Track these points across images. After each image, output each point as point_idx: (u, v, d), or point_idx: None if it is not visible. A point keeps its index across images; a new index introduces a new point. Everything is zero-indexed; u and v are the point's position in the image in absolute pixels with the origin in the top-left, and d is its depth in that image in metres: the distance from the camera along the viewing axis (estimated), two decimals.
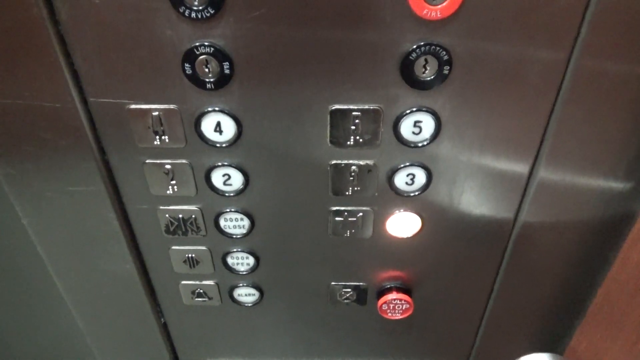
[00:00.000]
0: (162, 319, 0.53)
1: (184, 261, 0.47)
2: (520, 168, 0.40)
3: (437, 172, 0.40)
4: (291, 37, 0.33)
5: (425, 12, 0.31)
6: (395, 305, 0.48)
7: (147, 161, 0.40)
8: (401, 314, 0.49)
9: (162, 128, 0.37)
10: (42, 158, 0.39)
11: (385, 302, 0.48)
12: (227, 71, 0.34)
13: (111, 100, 0.36)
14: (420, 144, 0.38)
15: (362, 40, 0.33)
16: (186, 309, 0.52)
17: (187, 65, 0.34)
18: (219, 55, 0.33)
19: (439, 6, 0.31)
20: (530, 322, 0.51)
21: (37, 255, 0.47)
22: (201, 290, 0.50)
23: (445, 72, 0.34)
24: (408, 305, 0.48)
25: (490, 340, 0.53)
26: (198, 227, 0.44)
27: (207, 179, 0.40)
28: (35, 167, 0.40)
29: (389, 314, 0.49)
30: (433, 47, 0.32)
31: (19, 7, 0.31)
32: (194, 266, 0.47)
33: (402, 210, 0.42)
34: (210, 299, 0.50)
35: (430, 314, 0.51)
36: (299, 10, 0.32)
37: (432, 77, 0.34)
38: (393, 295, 0.48)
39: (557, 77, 0.35)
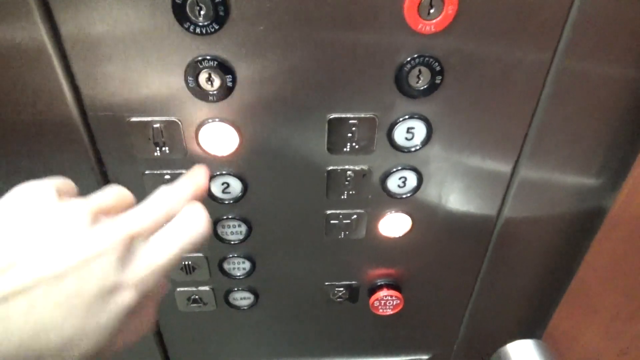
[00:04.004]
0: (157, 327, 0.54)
1: (181, 268, 0.47)
2: (504, 168, 0.43)
3: (427, 175, 0.42)
4: (292, 50, 0.34)
5: (420, 26, 0.33)
6: (386, 302, 0.50)
7: (147, 172, 0.40)
8: (392, 309, 0.51)
9: (163, 139, 0.38)
10: (40, 172, 0.39)
11: (377, 299, 0.50)
12: (229, 83, 0.35)
13: (112, 114, 0.36)
14: (412, 149, 0.40)
15: (360, 52, 0.34)
16: (180, 316, 0.52)
17: (190, 78, 0.35)
18: (222, 68, 0.34)
19: (433, 21, 0.33)
20: (511, 311, 0.54)
21: None
22: (197, 297, 0.50)
23: (437, 81, 0.36)
24: (398, 301, 0.51)
25: (474, 329, 0.56)
26: None
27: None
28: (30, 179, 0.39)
29: (381, 310, 0.51)
30: (426, 58, 0.35)
31: (20, 21, 0.31)
32: (190, 273, 0.48)
33: (393, 211, 0.44)
34: (205, 304, 0.51)
35: (418, 308, 0.54)
36: (300, 25, 0.33)
37: (425, 87, 0.36)
38: (384, 292, 0.50)
39: (538, 85, 0.37)
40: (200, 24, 0.32)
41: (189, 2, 0.31)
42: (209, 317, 0.53)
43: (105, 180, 0.40)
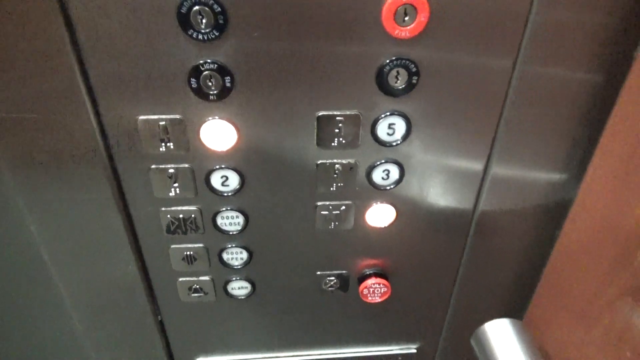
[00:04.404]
0: (159, 317, 0.57)
1: (183, 259, 0.51)
2: (477, 165, 0.47)
3: (408, 168, 0.46)
4: (284, 54, 0.38)
5: (396, 32, 0.37)
6: (374, 290, 0.54)
7: (153, 167, 0.44)
8: (380, 297, 0.55)
9: (167, 136, 0.42)
10: (54, 168, 0.43)
11: (365, 287, 0.54)
12: (228, 85, 0.39)
13: (123, 113, 0.40)
14: (394, 143, 0.44)
15: (344, 56, 0.39)
16: (182, 306, 0.56)
17: (193, 80, 0.39)
18: (222, 71, 0.38)
19: (408, 27, 0.37)
20: (492, 300, 0.58)
21: (38, 258, 0.50)
22: (197, 286, 0.54)
23: (414, 81, 0.40)
24: (386, 289, 0.54)
25: (459, 319, 0.59)
26: (197, 226, 0.48)
27: (207, 181, 0.45)
28: (46, 176, 0.43)
29: (370, 298, 0.55)
30: (403, 61, 0.39)
31: (41, 28, 0.36)
32: (191, 263, 0.51)
33: (379, 202, 0.48)
34: (206, 294, 0.55)
35: (405, 297, 0.57)
36: (291, 33, 0.37)
37: (403, 86, 0.40)
38: (372, 280, 0.54)
39: (503, 88, 0.42)
40: (202, 31, 0.36)
41: (192, 11, 0.36)
42: (209, 308, 0.57)
43: (115, 175, 0.44)
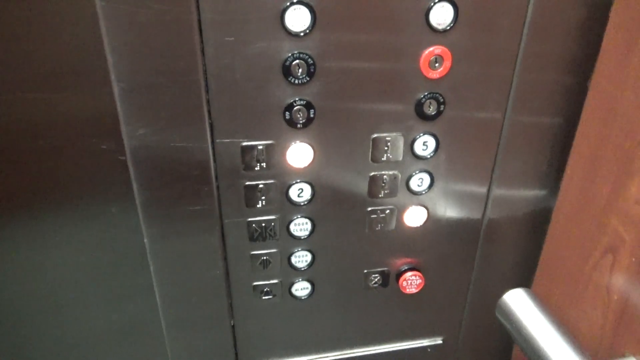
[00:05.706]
0: (232, 321, 0.67)
1: (260, 263, 0.63)
2: (483, 185, 0.63)
3: (437, 177, 0.61)
4: (351, 95, 0.54)
5: (430, 74, 0.54)
6: (411, 281, 0.67)
7: (247, 183, 0.57)
8: (416, 288, 0.68)
9: (263, 157, 0.56)
10: (174, 186, 0.55)
11: (404, 280, 0.67)
12: (312, 116, 0.54)
13: (230, 140, 0.54)
14: (427, 157, 0.59)
15: (392, 93, 0.55)
16: (251, 310, 0.66)
17: (287, 113, 0.53)
18: (308, 106, 0.53)
19: (438, 71, 0.54)
20: (502, 290, 0.71)
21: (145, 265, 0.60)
22: (268, 289, 0.65)
23: (441, 109, 0.56)
24: (420, 280, 0.67)
25: (475, 309, 0.72)
26: (274, 233, 0.61)
27: (287, 193, 0.58)
28: (167, 193, 0.55)
29: (407, 290, 0.68)
30: (434, 94, 0.55)
31: (186, 87, 0.50)
32: (266, 267, 0.63)
33: (414, 205, 0.63)
34: (274, 296, 0.66)
35: (432, 289, 0.70)
36: (357, 79, 0.53)
37: (434, 113, 0.56)
38: (410, 273, 0.67)
39: (497, 128, 0.59)
40: (299, 77, 0.51)
41: (292, 65, 0.51)
42: (274, 310, 0.67)
43: (217, 191, 0.57)
